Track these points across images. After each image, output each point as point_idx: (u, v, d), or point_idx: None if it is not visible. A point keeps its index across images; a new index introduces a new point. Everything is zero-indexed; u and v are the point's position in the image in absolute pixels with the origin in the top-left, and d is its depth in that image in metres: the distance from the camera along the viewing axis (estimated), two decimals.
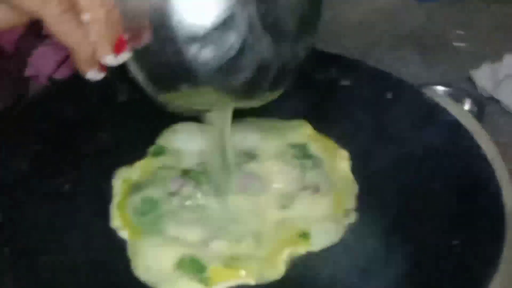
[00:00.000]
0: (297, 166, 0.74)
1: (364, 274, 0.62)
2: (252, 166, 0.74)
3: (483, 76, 0.95)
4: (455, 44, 1.09)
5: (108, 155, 0.76)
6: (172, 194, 0.71)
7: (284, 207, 0.70)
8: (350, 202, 0.72)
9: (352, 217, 0.70)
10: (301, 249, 0.66)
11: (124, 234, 0.68)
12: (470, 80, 0.98)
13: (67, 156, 0.75)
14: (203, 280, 0.63)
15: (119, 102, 0.83)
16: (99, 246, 0.66)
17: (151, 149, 0.78)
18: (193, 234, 0.67)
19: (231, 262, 0.64)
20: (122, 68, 0.56)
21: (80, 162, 0.75)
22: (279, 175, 0.73)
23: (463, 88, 0.94)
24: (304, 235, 0.67)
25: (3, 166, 0.71)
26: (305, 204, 0.70)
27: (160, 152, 0.77)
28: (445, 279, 0.61)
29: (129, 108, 0.81)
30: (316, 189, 0.72)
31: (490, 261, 0.60)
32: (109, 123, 0.80)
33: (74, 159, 0.75)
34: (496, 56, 0.99)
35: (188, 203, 0.70)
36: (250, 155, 0.76)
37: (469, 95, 0.91)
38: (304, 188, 0.72)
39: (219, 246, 0.66)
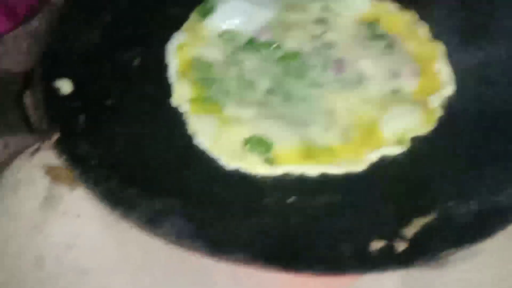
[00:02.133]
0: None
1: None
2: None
3: None
4: None
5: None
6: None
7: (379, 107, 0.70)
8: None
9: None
10: (388, 151, 0.67)
11: (186, 108, 0.69)
12: None
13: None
14: (269, 160, 0.65)
15: None
16: (163, 121, 0.68)
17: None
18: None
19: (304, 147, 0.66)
20: None
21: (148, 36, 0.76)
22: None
23: None
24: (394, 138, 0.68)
25: (75, 37, 0.73)
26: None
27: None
28: None
29: None
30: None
31: None
32: None
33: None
34: None
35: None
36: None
37: None
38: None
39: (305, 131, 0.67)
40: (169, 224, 0.57)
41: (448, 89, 0.71)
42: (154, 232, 0.57)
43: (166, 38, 0.76)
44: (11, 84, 0.76)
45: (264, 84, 0.72)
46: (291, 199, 0.62)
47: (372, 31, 0.76)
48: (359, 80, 0.72)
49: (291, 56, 0.74)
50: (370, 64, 0.73)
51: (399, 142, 0.67)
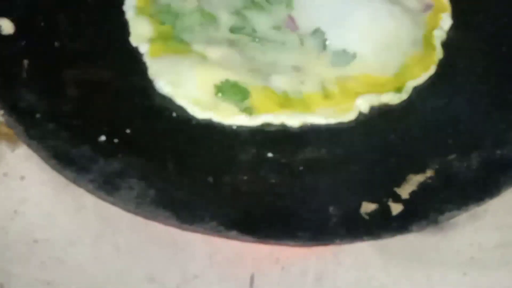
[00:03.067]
0: None
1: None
2: None
3: None
4: None
5: None
6: None
7: None
8: None
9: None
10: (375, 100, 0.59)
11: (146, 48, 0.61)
12: None
13: None
14: (246, 110, 0.57)
15: None
16: (120, 64, 0.60)
17: None
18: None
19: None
20: None
21: None
22: None
23: None
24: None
25: None
26: None
27: None
28: None
29: None
30: None
31: None
32: None
33: None
34: None
35: None
36: None
37: None
38: None
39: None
40: (127, 188, 0.49)
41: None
42: (109, 198, 0.49)
43: None
44: None
45: (227, 19, 0.63)
46: (270, 154, 0.55)
47: None
48: None
49: None
50: None
51: (398, 90, 0.60)
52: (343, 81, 0.60)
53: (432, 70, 0.61)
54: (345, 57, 0.61)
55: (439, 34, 0.64)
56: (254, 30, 0.63)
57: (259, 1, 0.64)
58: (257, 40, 0.62)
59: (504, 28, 0.64)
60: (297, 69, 0.61)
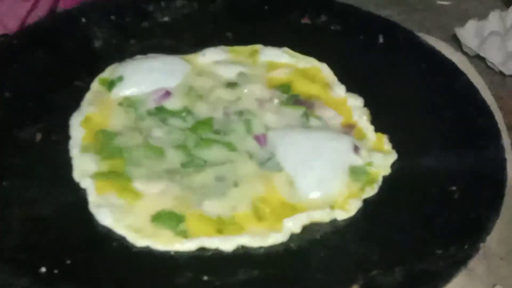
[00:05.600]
0: None
1: None
2: None
3: (469, 34, 0.93)
4: (440, 2, 1.07)
5: None
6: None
7: None
8: None
9: None
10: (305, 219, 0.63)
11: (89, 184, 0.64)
12: (455, 38, 0.95)
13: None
14: (182, 233, 0.60)
15: None
16: (63, 199, 0.63)
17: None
18: None
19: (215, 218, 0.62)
20: None
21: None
22: None
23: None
24: None
25: None
26: None
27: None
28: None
29: None
30: None
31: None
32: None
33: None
34: (481, 14, 0.96)
35: None
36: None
37: None
38: None
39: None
40: None
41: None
42: None
43: (69, 111, 0.71)
44: None
45: (176, 156, 0.67)
46: (205, 277, 0.57)
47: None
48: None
49: (204, 123, 0.71)
50: None
51: (331, 207, 0.64)
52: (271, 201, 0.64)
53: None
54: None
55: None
56: (204, 161, 0.67)
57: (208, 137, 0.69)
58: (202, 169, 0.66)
59: None
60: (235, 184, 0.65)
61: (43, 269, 0.55)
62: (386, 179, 0.67)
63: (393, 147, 0.70)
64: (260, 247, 0.60)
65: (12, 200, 0.62)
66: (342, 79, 0.78)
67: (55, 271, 0.56)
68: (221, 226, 0.61)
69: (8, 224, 0.59)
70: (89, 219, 0.62)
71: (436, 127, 0.71)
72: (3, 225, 0.59)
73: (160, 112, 0.71)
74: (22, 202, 0.62)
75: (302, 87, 0.76)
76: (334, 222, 0.63)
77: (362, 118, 0.73)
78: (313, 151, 0.67)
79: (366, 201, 0.65)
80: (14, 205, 0.61)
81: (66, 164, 0.66)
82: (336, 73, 0.78)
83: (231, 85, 0.75)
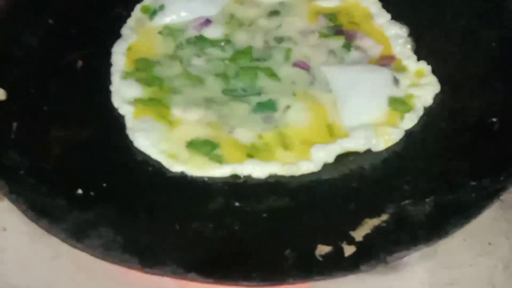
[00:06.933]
0: None
1: None
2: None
3: None
4: None
5: None
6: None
7: None
8: None
9: None
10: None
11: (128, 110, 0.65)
12: None
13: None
14: (216, 158, 0.61)
15: None
16: (101, 124, 0.65)
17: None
18: None
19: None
20: None
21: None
22: None
23: None
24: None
25: (13, 41, 0.69)
26: None
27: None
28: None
29: None
30: None
31: None
32: None
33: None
34: None
35: None
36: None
37: None
38: None
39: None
40: (96, 236, 0.53)
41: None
42: (78, 245, 0.53)
43: (110, 39, 0.72)
44: None
45: (217, 84, 0.68)
46: (237, 203, 0.58)
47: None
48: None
49: (244, 53, 0.70)
50: None
51: (368, 136, 0.63)
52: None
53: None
54: None
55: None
56: (244, 89, 0.67)
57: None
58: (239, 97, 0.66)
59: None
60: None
61: (80, 191, 0.57)
62: (427, 110, 0.66)
63: (436, 78, 0.68)
64: (292, 177, 0.61)
65: (51, 124, 0.63)
66: (386, 7, 0.75)
67: (92, 193, 0.58)
68: (253, 152, 0.61)
69: (47, 147, 0.61)
70: (126, 144, 0.63)
71: (480, 58, 0.68)
72: (43, 148, 0.61)
73: (199, 41, 0.71)
74: (61, 126, 0.63)
75: (345, 17, 0.74)
76: (369, 152, 0.63)
77: (405, 47, 0.71)
78: (355, 82, 0.67)
79: (405, 132, 0.64)
80: (53, 129, 0.63)
81: (105, 90, 0.68)
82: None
83: (273, 13, 0.74)
